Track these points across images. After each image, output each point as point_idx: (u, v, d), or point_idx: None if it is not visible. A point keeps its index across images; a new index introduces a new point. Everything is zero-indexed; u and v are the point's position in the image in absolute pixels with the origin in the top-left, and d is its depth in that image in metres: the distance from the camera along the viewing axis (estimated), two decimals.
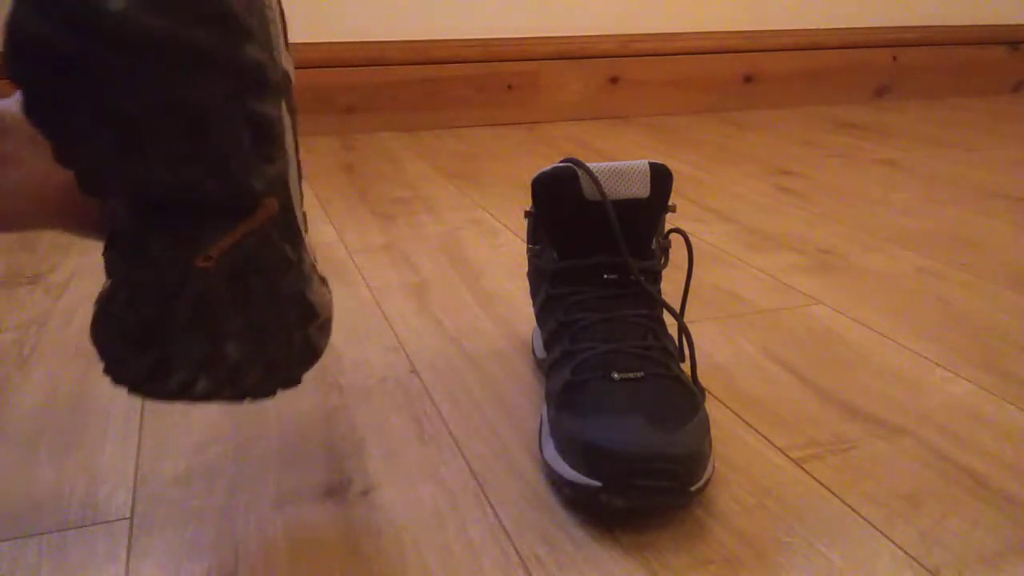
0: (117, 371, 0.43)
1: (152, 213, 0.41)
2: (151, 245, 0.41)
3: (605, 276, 0.56)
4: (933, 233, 1.01)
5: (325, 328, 0.48)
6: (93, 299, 0.45)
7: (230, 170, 0.39)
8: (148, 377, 0.44)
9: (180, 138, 0.37)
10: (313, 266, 0.46)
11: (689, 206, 1.12)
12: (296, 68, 1.53)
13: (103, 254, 0.43)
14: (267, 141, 0.40)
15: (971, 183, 1.24)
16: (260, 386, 0.47)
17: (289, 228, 0.43)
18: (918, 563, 0.46)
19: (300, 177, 0.46)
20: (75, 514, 0.50)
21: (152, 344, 0.43)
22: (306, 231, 0.46)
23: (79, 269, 0.89)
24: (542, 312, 0.60)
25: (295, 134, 0.45)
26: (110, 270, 0.42)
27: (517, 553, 0.47)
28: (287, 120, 0.42)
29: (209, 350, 0.43)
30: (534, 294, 0.63)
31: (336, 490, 0.52)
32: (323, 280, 0.48)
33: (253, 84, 0.38)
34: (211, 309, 0.43)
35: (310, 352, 0.47)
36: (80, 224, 0.48)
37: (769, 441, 0.57)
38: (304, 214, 0.46)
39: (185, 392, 0.45)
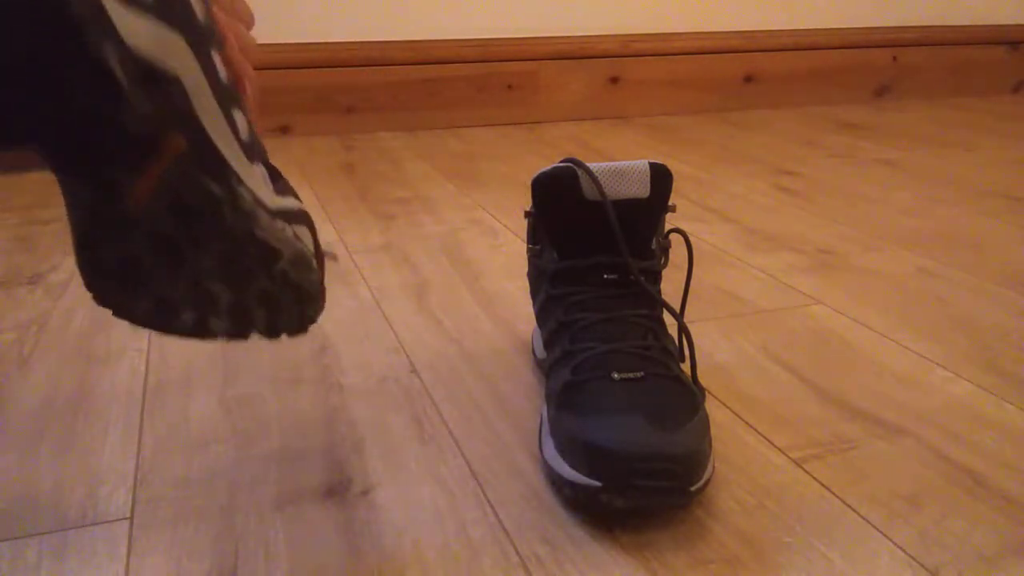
0: (124, 314, 0.42)
1: (62, 161, 0.38)
2: (76, 193, 0.39)
3: (605, 276, 0.56)
4: (933, 233, 1.01)
5: (301, 264, 0.45)
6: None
7: (93, 116, 0.35)
8: (156, 317, 0.42)
9: (15, 86, 0.34)
10: (258, 201, 0.43)
11: (689, 206, 1.12)
12: (296, 68, 1.53)
13: None
14: (114, 84, 0.35)
15: (971, 183, 1.24)
16: (275, 326, 0.45)
17: (210, 164, 0.40)
18: (918, 563, 0.46)
19: (231, 100, 0.42)
20: (75, 514, 0.50)
21: (137, 286, 0.41)
22: (255, 162, 0.43)
23: None
24: (542, 312, 0.60)
25: (200, 53, 0.40)
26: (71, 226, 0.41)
27: (517, 553, 0.47)
28: (175, 44, 0.38)
29: (196, 290, 0.42)
30: (534, 294, 0.63)
31: (336, 490, 0.52)
32: (281, 214, 0.45)
33: (65, 24, 0.33)
34: (171, 248, 0.41)
35: (301, 291, 0.45)
36: None
37: (769, 441, 0.57)
38: (250, 144, 0.43)
39: (202, 330, 0.44)
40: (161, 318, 0.43)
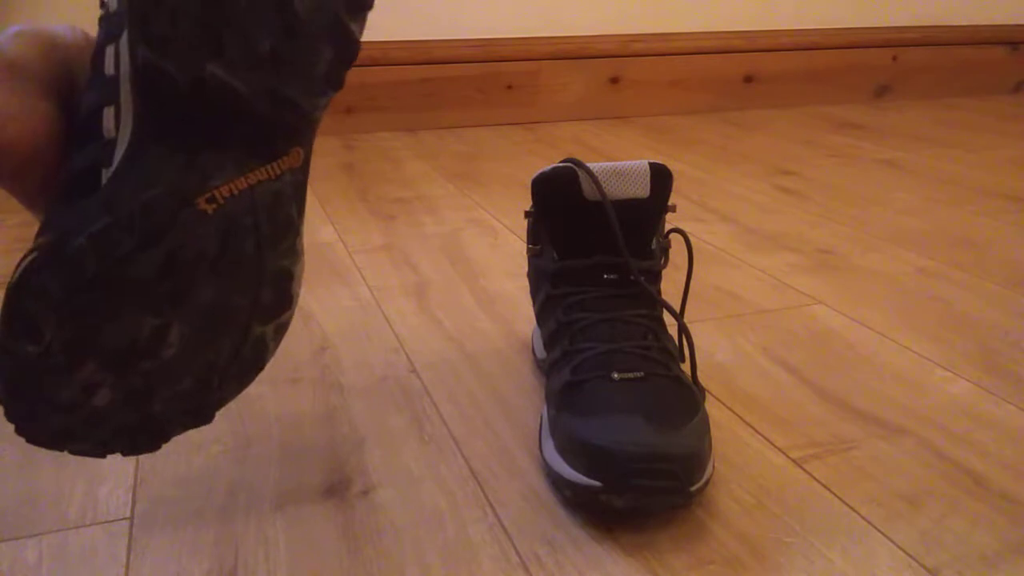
0: (24, 343, 0.36)
1: (171, 127, 0.35)
2: (154, 170, 0.35)
3: (605, 276, 0.56)
4: (933, 233, 1.01)
5: (281, 332, 0.43)
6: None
7: (298, 83, 0.35)
8: (55, 360, 0.36)
9: (265, 37, 0.34)
10: (303, 248, 0.42)
11: (689, 206, 1.12)
12: None
13: (52, 208, 0.36)
14: (343, 63, 0.36)
15: (971, 183, 1.24)
16: (168, 414, 0.40)
17: (301, 189, 0.39)
18: (918, 563, 0.46)
19: None
20: (75, 514, 0.50)
21: (94, 304, 0.35)
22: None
23: None
24: (542, 312, 0.60)
25: None
26: (81, 216, 0.35)
27: (517, 553, 0.47)
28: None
29: (152, 329, 0.37)
30: (534, 294, 0.63)
31: (336, 490, 0.52)
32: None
33: None
34: (184, 271, 0.36)
35: (255, 360, 0.42)
36: (30, 185, 0.38)
37: (769, 441, 0.57)
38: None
39: (82, 400, 0.37)
40: (45, 366, 0.36)
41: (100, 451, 0.42)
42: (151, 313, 0.37)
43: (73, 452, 0.42)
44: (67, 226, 0.35)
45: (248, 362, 0.42)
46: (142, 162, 0.35)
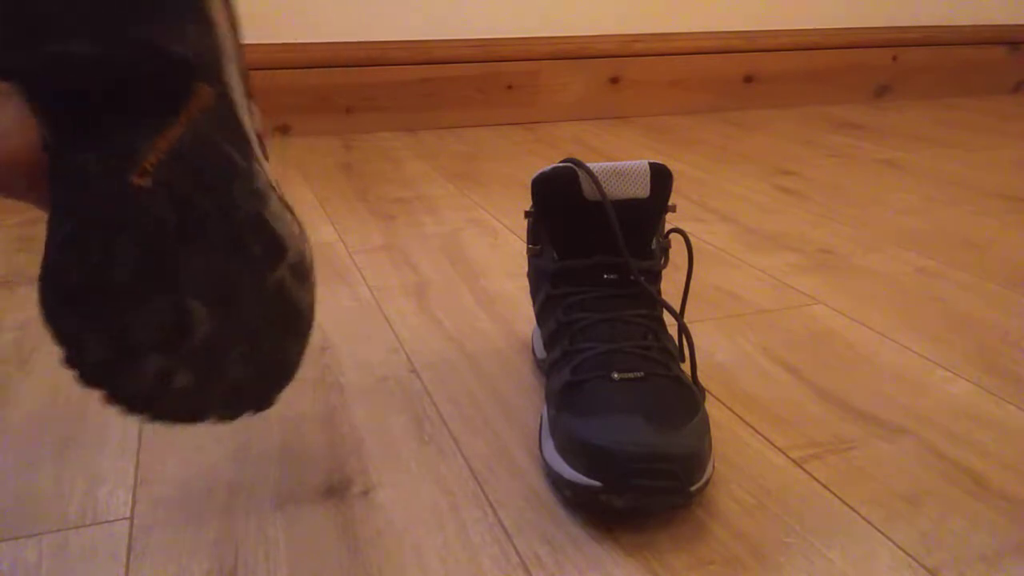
0: (80, 357, 0.37)
1: (75, 122, 0.35)
2: (83, 166, 0.35)
3: (605, 276, 0.56)
4: (933, 233, 1.01)
5: (301, 273, 0.42)
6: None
7: (141, 18, 0.33)
8: (114, 362, 0.37)
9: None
10: (272, 184, 0.40)
11: (689, 206, 1.12)
12: (296, 68, 1.53)
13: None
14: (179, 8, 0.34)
15: (971, 183, 1.24)
16: (252, 377, 0.41)
17: (230, 124, 0.37)
18: (918, 563, 0.46)
19: (241, 66, 0.40)
20: (75, 514, 0.50)
21: (104, 307, 0.36)
22: (263, 150, 0.41)
23: None
24: (542, 312, 0.60)
25: (228, 7, 0.39)
26: (50, 230, 0.36)
27: (517, 553, 0.47)
28: None
29: (172, 311, 0.37)
30: (534, 294, 0.63)
31: (336, 490, 0.52)
32: (289, 208, 0.42)
33: None
34: (161, 246, 0.36)
35: (291, 307, 0.41)
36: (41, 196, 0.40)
37: (769, 441, 0.57)
38: (253, 114, 0.41)
39: (164, 386, 0.39)
40: (118, 364, 0.38)
41: (226, 417, 0.43)
42: (161, 296, 0.37)
43: (208, 422, 0.43)
44: (49, 241, 0.36)
45: (285, 311, 0.42)
46: (66, 161, 0.36)
